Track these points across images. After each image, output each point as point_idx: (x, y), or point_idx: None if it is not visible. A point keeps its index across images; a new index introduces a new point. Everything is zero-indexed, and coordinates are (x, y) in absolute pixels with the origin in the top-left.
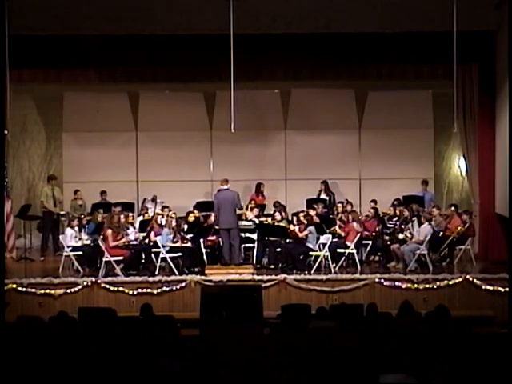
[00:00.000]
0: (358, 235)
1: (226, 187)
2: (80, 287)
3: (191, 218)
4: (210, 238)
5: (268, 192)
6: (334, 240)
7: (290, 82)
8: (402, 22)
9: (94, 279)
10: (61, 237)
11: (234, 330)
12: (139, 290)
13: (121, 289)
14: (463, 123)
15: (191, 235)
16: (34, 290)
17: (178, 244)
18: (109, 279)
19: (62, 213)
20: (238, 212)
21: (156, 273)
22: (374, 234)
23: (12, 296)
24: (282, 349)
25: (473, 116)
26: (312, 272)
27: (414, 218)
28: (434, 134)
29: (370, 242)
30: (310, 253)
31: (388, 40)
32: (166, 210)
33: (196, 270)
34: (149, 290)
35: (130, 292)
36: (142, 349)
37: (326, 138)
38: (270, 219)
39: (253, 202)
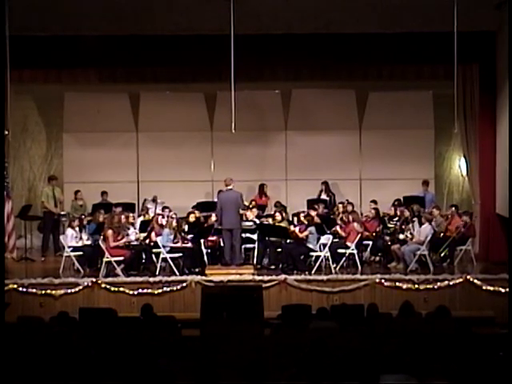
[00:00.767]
0: (359, 236)
1: (230, 187)
2: (80, 287)
3: (192, 219)
4: (210, 238)
5: (268, 192)
6: (335, 240)
7: (291, 82)
8: (403, 23)
9: (94, 279)
10: (61, 237)
11: (234, 330)
12: (140, 291)
13: (121, 289)
14: (464, 124)
15: (192, 235)
16: (34, 290)
17: (178, 244)
18: (109, 279)
19: (62, 213)
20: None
21: (156, 273)
22: (374, 234)
23: (13, 296)
24: (283, 349)
25: (473, 116)
26: (312, 272)
27: (415, 219)
28: (435, 135)
29: (371, 243)
30: (311, 253)
31: (388, 40)
32: (167, 210)
33: (196, 270)
34: (149, 291)
35: (131, 292)
36: (143, 349)
37: (327, 138)
38: (270, 219)
39: (253, 202)
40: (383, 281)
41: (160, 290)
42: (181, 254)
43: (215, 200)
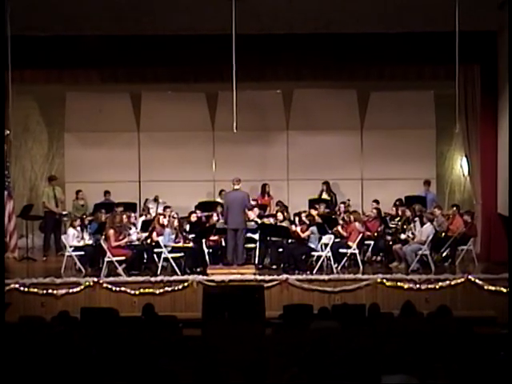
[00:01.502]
0: (360, 235)
1: (237, 187)
2: (82, 287)
3: (193, 218)
4: (212, 238)
5: (270, 192)
6: (336, 240)
7: (292, 82)
8: (404, 23)
9: (96, 279)
10: (63, 237)
11: (235, 330)
12: (141, 290)
13: (123, 289)
14: (465, 124)
15: (193, 235)
16: (36, 289)
17: (180, 244)
18: (111, 279)
19: (64, 213)
20: None
21: (158, 273)
22: (376, 234)
23: (14, 296)
24: (284, 349)
25: (475, 116)
26: (314, 272)
27: (416, 219)
28: (436, 135)
29: (372, 243)
30: (312, 253)
31: (390, 40)
32: (168, 210)
33: (198, 270)
34: (151, 290)
35: (132, 292)
36: (144, 349)
37: (328, 138)
38: (271, 219)
39: (254, 202)
40: (385, 281)
41: (161, 290)
42: (182, 254)
43: (217, 200)
